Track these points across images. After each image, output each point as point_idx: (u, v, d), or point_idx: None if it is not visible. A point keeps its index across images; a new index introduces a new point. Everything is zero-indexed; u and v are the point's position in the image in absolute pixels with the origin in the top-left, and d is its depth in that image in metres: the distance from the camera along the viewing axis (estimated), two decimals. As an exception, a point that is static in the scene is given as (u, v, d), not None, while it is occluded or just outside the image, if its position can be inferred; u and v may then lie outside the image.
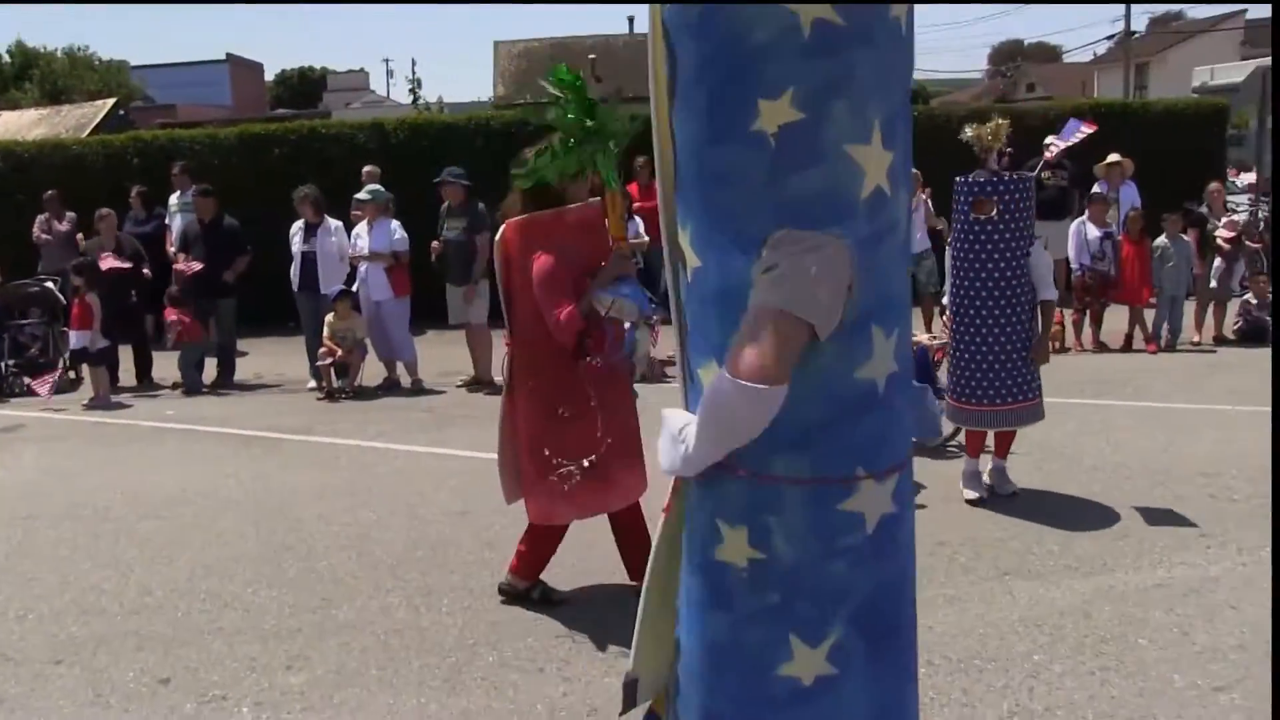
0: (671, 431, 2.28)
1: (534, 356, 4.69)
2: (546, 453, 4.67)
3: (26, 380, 11.28)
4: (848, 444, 2.21)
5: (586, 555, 5.34)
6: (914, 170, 10.99)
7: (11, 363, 11.54)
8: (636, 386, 5.03)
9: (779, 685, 2.29)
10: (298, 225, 10.58)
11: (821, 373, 2.14)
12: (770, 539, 2.24)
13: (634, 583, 5.07)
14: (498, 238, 4.69)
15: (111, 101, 30.40)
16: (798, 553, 2.24)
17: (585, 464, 4.62)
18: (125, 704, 4.32)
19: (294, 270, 10.58)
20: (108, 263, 10.95)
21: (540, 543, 5.03)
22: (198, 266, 10.91)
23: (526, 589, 5.10)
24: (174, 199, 13.14)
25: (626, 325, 4.57)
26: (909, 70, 2.27)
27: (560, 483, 4.64)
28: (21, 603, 5.43)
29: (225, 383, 11.01)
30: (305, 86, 64.53)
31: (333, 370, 10.20)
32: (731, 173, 2.16)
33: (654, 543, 2.51)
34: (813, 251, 2.06)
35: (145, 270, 11.52)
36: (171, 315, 10.79)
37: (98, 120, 26.35)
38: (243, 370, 11.39)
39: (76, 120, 26.66)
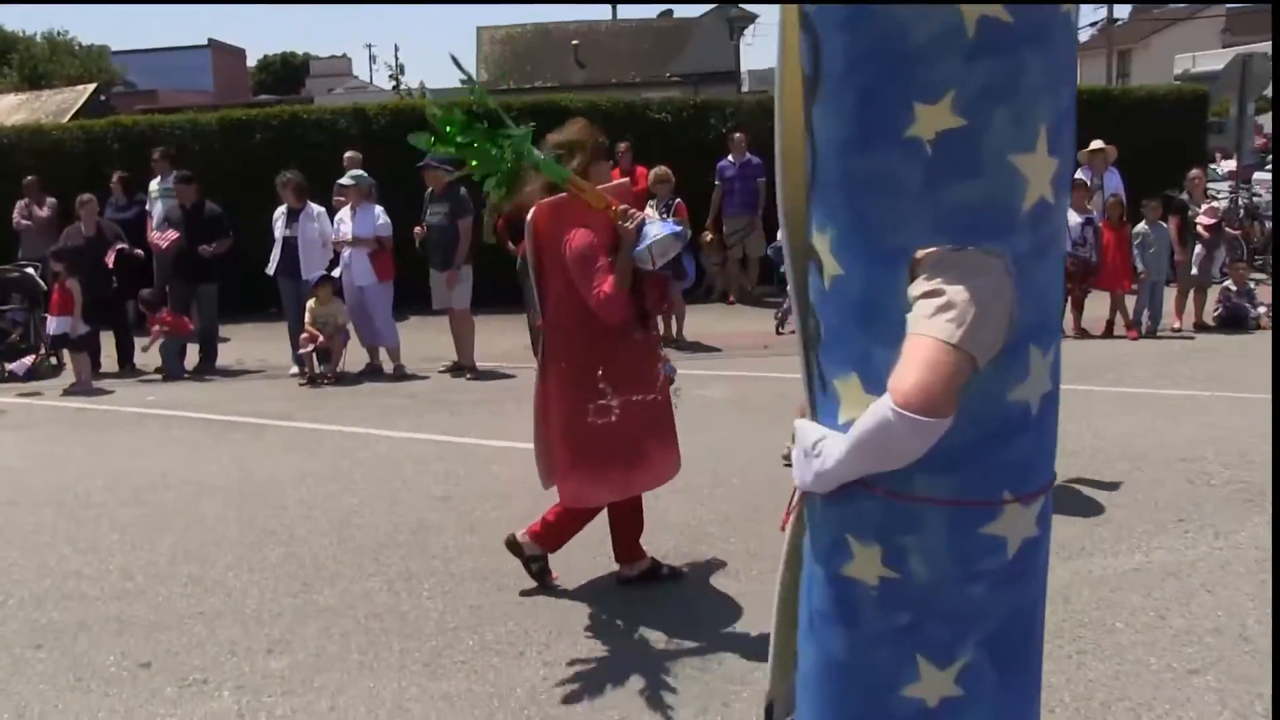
0: (805, 445, 2.18)
1: (566, 337, 4.65)
2: (599, 373, 4.58)
3: (7, 366, 11.24)
4: (996, 467, 2.11)
5: (584, 537, 5.34)
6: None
7: (-8, 349, 11.50)
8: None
9: (902, 706, 2.21)
10: (280, 210, 10.54)
11: (974, 396, 2.01)
12: (906, 559, 2.15)
13: (617, 567, 5.08)
14: (528, 219, 4.62)
15: (92, 87, 30.19)
16: (934, 574, 2.14)
17: (625, 401, 4.58)
18: (106, 688, 4.32)
19: (275, 255, 10.54)
20: (113, 255, 10.98)
21: (570, 520, 4.98)
22: (174, 235, 10.91)
23: (532, 556, 5.05)
24: (155, 185, 13.03)
25: (684, 258, 4.56)
26: (1075, 68, 2.13)
27: (594, 415, 4.58)
28: (1, 588, 5.41)
29: (207, 368, 10.97)
30: (287, 72, 64.21)
31: (314, 356, 10.18)
32: (882, 180, 2.03)
33: (782, 556, 2.47)
34: (976, 276, 1.94)
35: (139, 250, 11.51)
36: (155, 324, 10.78)
37: (78, 105, 26.15)
38: (224, 356, 11.34)
39: (57, 105, 26.46)
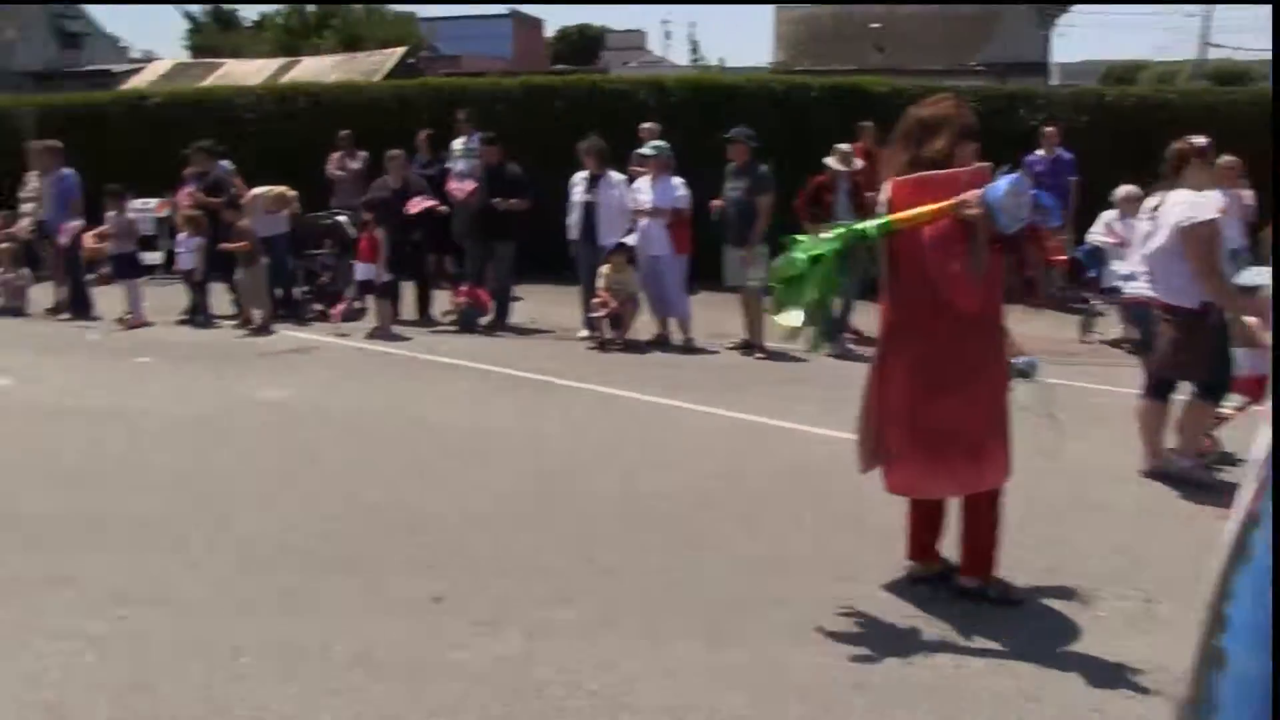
0: None
1: (915, 323, 4.41)
2: (948, 362, 4.36)
3: (317, 306, 11.91)
4: None
5: (870, 529, 5.14)
6: (1229, 158, 9.77)
7: (305, 290, 12.21)
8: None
9: None
10: (580, 175, 10.68)
11: None
12: None
13: (910, 564, 4.83)
14: (884, 197, 4.45)
15: (402, 50, 31.50)
16: None
17: (971, 393, 4.38)
18: (398, 616, 4.48)
19: (574, 220, 10.70)
20: (417, 206, 11.43)
21: (976, 530, 4.58)
22: (471, 186, 11.26)
23: (985, 587, 4.65)
24: (458, 143, 13.45)
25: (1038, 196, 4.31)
26: None
27: (937, 406, 4.36)
28: (309, 513, 5.72)
29: (500, 325, 11.28)
30: (583, 44, 65.66)
31: (606, 321, 10.28)
32: None
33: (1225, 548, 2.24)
34: None
35: (443, 206, 11.93)
36: (461, 297, 11.18)
37: (389, 67, 27.38)
38: (517, 314, 11.66)
39: (370, 67, 27.75)
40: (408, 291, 11.70)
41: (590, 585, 4.80)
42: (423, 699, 3.84)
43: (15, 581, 4.86)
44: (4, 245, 13.10)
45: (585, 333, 10.68)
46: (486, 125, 12.93)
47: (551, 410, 8.07)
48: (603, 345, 10.30)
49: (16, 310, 12.52)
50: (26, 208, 12.80)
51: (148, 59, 40.46)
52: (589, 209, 10.54)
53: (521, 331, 11.27)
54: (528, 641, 4.25)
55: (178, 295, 12.19)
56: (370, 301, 11.40)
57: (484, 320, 11.22)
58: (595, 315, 10.35)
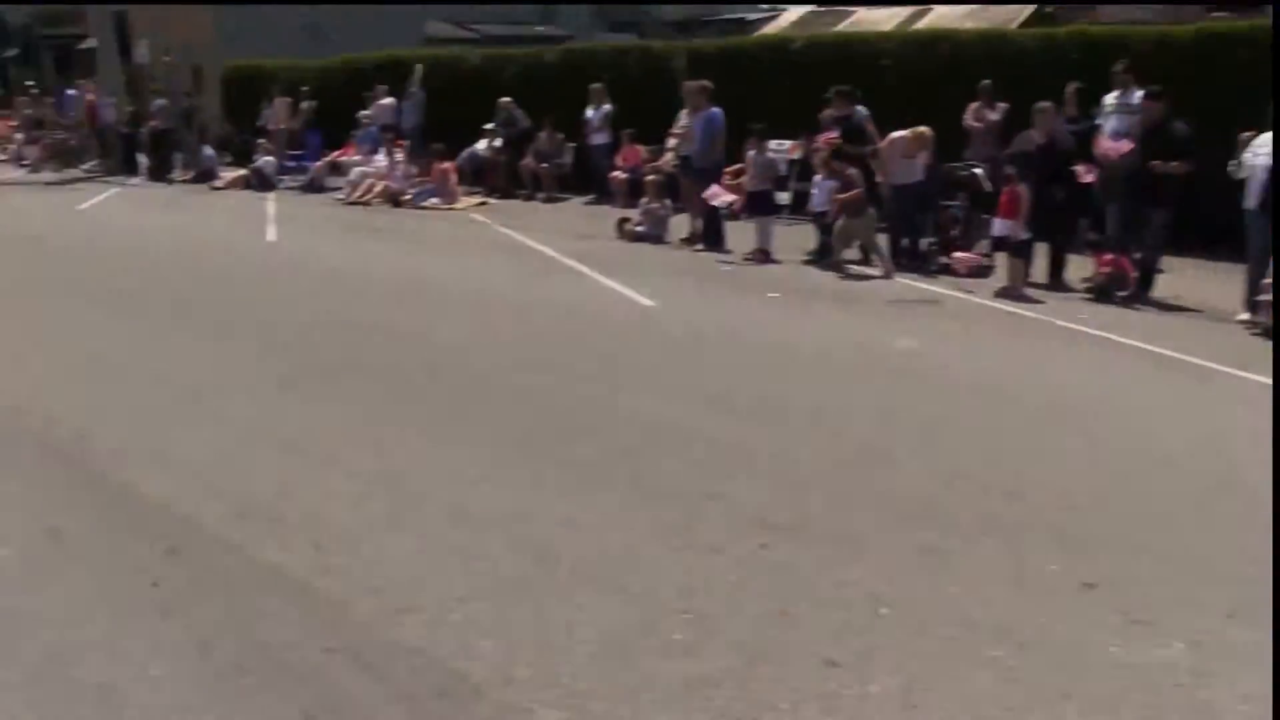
0: None
1: None
2: None
3: (943, 258, 11.72)
4: None
5: None
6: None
7: (932, 241, 12.03)
8: None
9: None
10: (1266, 136, 9.46)
11: None
12: None
13: None
14: None
15: (1040, -4, 30.31)
16: None
17: None
18: (1043, 595, 4.27)
19: (1251, 186, 9.52)
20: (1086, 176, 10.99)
21: None
22: (1126, 147, 10.50)
23: None
24: (1110, 98, 12.51)
25: None
26: None
27: None
28: (948, 470, 5.62)
29: (1141, 297, 10.36)
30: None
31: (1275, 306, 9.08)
32: None
33: None
34: None
35: (1088, 176, 11.18)
36: (1105, 266, 10.47)
37: (1025, 15, 26.45)
38: (1159, 288, 10.64)
39: (1005, 16, 26.95)
40: (1039, 252, 11.09)
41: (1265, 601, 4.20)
42: (1077, 689, 3.61)
43: (676, 496, 5.19)
44: (650, 177, 14.23)
45: (1246, 316, 9.47)
46: (1151, 78, 11.86)
47: (1203, 399, 7.31)
48: (1267, 332, 9.10)
49: (657, 238, 13.51)
50: (671, 143, 13.69)
51: (777, 8, 42.24)
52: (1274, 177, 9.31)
53: (1165, 307, 10.23)
54: (1194, 652, 3.85)
55: (803, 235, 12.52)
56: (1000, 259, 11.00)
57: (1123, 292, 10.39)
58: (1262, 298, 9.16)
